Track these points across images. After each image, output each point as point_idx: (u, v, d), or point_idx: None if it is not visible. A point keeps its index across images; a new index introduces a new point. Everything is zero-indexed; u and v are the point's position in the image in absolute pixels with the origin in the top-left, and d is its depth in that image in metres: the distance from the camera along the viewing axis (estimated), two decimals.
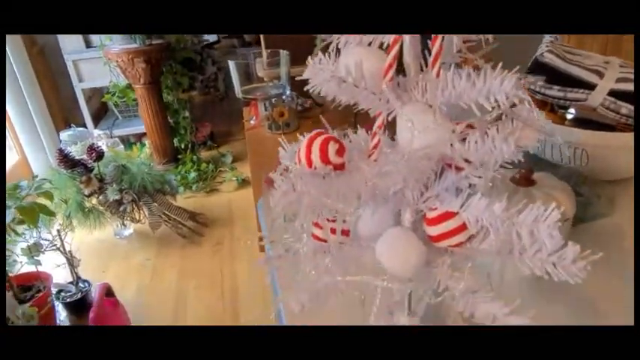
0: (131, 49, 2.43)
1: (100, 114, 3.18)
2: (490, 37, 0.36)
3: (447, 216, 0.39)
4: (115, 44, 2.50)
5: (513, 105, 0.32)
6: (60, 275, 1.90)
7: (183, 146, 2.85)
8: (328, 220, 0.43)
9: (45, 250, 1.72)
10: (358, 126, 0.44)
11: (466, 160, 0.35)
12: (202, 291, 1.94)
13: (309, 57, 0.39)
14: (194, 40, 3.25)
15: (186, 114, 2.85)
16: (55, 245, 1.73)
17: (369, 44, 0.36)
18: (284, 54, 1.48)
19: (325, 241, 0.44)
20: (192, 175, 2.67)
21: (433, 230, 0.39)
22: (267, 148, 1.38)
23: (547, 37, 0.82)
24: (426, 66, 0.37)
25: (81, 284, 1.87)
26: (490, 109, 0.32)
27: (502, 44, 0.40)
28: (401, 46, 0.36)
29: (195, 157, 2.79)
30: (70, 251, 1.80)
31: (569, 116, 0.74)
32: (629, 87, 0.72)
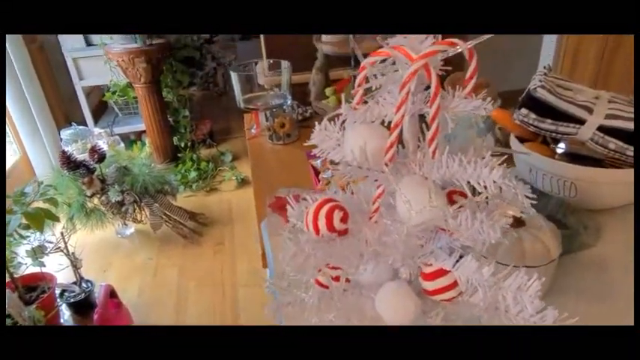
0: (132, 49, 2.44)
1: (100, 110, 3.20)
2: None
3: (441, 273, 0.43)
4: (116, 43, 2.50)
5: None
6: (63, 275, 1.94)
7: (183, 145, 2.88)
8: (332, 268, 0.47)
9: (49, 253, 1.76)
10: (361, 184, 0.47)
11: None
12: (203, 290, 1.99)
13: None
14: (193, 37, 3.25)
15: (186, 112, 2.87)
16: (59, 247, 1.77)
17: (373, 121, 0.40)
18: (285, 64, 1.50)
19: (328, 287, 0.48)
20: (193, 174, 2.70)
21: (429, 285, 0.43)
22: (269, 158, 1.41)
23: (540, 70, 0.85)
24: (424, 140, 0.40)
25: (84, 284, 1.91)
26: (480, 191, 0.36)
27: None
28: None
29: (194, 156, 2.82)
30: (73, 253, 1.84)
31: (559, 151, 0.78)
32: (617, 124, 0.75)
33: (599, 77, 2.52)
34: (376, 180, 0.40)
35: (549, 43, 2.83)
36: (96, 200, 2.13)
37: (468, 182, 0.37)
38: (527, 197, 0.37)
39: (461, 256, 0.42)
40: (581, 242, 0.73)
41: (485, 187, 0.35)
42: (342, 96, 0.39)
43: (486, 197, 0.36)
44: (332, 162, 0.40)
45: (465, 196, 0.40)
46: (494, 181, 0.34)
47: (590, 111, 0.77)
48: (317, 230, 0.40)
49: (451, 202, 0.41)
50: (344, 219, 0.40)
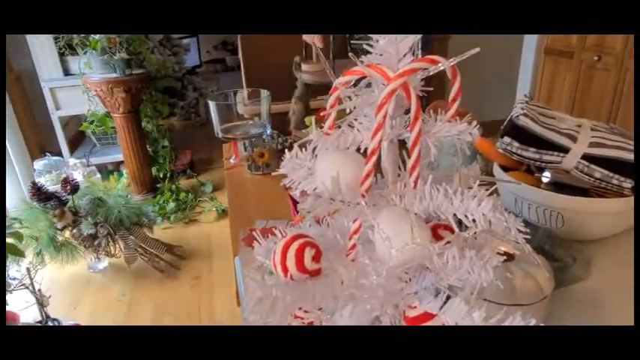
0: (111, 79, 2.40)
1: (77, 141, 3.12)
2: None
3: (426, 317, 0.38)
4: (95, 73, 2.46)
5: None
6: (29, 314, 1.83)
7: (161, 175, 2.81)
8: (305, 312, 0.42)
9: (13, 290, 1.65)
10: (337, 216, 0.43)
11: None
12: None
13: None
14: (175, 68, 3.24)
15: (166, 142, 2.81)
16: (24, 284, 1.67)
17: (347, 148, 0.36)
18: (265, 93, 1.48)
19: None
20: (171, 205, 2.62)
21: None
22: (247, 189, 1.36)
23: (521, 98, 0.83)
24: (405, 169, 0.36)
25: (50, 323, 1.79)
26: (468, 225, 0.32)
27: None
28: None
29: (174, 187, 2.75)
30: (39, 290, 1.73)
31: (544, 180, 0.76)
32: (602, 152, 0.74)
33: (575, 105, 2.57)
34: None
35: (526, 73, 2.90)
36: (67, 233, 2.03)
37: (454, 215, 0.33)
38: (520, 231, 0.34)
39: (448, 298, 0.38)
40: (572, 275, 0.70)
41: (474, 221, 0.31)
42: (313, 120, 0.35)
43: (474, 232, 0.32)
44: (303, 193, 0.36)
45: (451, 230, 0.36)
46: (484, 214, 0.30)
47: (573, 139, 0.75)
48: (286, 271, 0.35)
49: (436, 237, 0.37)
50: (316, 257, 0.35)
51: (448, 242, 0.32)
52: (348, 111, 0.34)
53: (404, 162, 0.37)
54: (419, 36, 0.30)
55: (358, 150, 0.36)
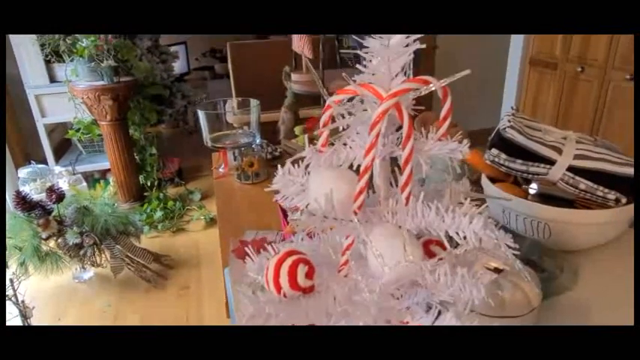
0: (98, 86, 2.38)
1: (63, 148, 3.08)
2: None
3: None
4: (82, 80, 2.44)
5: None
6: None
7: (149, 183, 2.78)
8: None
9: None
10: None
11: None
12: None
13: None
14: (163, 75, 3.23)
15: (153, 150, 2.79)
16: (7, 296, 1.64)
17: (340, 165, 0.36)
18: (254, 102, 1.48)
19: None
20: (159, 214, 2.60)
21: None
22: (236, 198, 1.35)
23: (508, 110, 0.85)
24: (396, 185, 0.37)
25: None
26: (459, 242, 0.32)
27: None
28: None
29: (161, 195, 2.72)
30: (22, 301, 1.70)
31: (531, 191, 0.77)
32: (587, 164, 0.75)
33: (559, 115, 2.62)
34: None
35: (511, 83, 2.95)
36: (52, 243, 1.99)
37: (446, 232, 0.33)
38: (510, 248, 0.34)
39: (439, 312, 0.38)
40: (559, 286, 0.71)
41: (465, 238, 0.31)
42: (305, 137, 0.35)
43: (465, 249, 0.32)
44: (295, 210, 0.36)
45: (442, 246, 0.37)
46: (475, 232, 0.30)
47: (559, 151, 0.77)
48: (279, 288, 0.35)
49: (428, 253, 0.37)
50: (309, 274, 0.35)
51: (440, 259, 0.33)
52: (340, 129, 0.34)
53: (396, 179, 0.37)
54: (411, 56, 0.31)
55: (351, 167, 0.37)
